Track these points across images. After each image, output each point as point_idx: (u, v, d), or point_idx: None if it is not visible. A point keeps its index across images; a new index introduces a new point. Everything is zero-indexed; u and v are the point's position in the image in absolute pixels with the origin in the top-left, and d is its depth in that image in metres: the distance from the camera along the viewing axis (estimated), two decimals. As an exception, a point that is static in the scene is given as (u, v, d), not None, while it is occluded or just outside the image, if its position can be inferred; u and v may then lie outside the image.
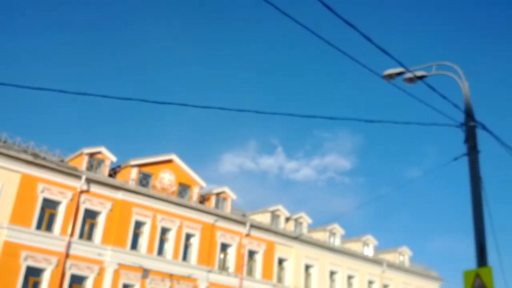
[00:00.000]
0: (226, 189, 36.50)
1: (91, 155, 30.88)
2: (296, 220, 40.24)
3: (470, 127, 9.19)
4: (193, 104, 7.40)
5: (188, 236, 33.08)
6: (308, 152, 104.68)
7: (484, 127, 9.26)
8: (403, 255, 47.12)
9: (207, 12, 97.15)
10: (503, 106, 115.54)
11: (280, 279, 37.03)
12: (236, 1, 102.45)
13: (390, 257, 45.86)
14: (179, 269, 31.54)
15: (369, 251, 44.39)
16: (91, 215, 29.67)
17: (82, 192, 29.23)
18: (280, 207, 39.24)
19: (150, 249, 31.00)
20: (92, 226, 29.67)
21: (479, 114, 9.40)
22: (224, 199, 36.34)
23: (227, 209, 36.06)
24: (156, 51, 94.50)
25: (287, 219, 39.80)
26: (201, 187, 34.79)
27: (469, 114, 9.19)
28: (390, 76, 9.63)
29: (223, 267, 34.17)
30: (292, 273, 37.39)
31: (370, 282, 42.74)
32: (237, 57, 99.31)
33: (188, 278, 31.69)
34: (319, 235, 41.20)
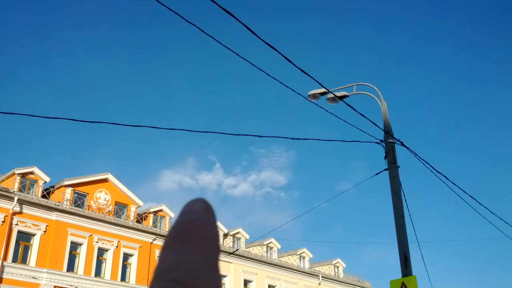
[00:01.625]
0: (163, 207, 35.96)
1: (23, 175, 29.64)
2: (234, 235, 40.16)
3: (389, 143, 9.58)
4: (125, 123, 7.30)
5: (126, 256, 32.25)
6: (245, 168, 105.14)
7: (402, 144, 9.68)
8: (338, 267, 47.94)
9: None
10: (421, 124, 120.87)
11: (219, 295, 36.69)
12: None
13: (325, 269, 46.53)
14: (116, 290, 30.65)
15: (305, 264, 44.86)
16: (24, 237, 28.35)
17: (14, 213, 27.93)
18: (218, 223, 38.97)
19: (87, 271, 29.93)
20: (26, 249, 28.33)
21: (399, 131, 9.81)
22: (162, 217, 35.76)
23: (165, 227, 35.49)
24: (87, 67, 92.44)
25: (225, 235, 39.64)
26: (138, 206, 34.10)
27: (387, 131, 9.58)
28: (314, 96, 9.91)
29: None
30: (231, 288, 37.19)
31: (307, 294, 43.14)
32: (169, 78, 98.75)
33: (126, 298, 30.83)
34: (257, 250, 41.29)
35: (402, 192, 9.95)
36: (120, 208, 33.24)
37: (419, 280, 9.53)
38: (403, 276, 9.64)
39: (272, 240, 42.51)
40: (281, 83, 7.16)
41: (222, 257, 36.68)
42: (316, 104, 9.09)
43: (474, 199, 12.22)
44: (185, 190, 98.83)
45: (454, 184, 11.41)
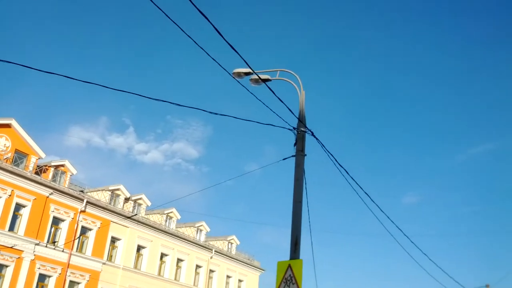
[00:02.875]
0: (66, 162, 34.45)
1: None
2: (135, 201, 39.47)
3: (300, 132, 9.79)
4: (39, 68, 6.82)
5: (18, 207, 30.61)
6: (159, 136, 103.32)
7: (312, 134, 9.93)
8: (232, 243, 48.76)
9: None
10: (335, 119, 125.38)
11: (111, 257, 36.02)
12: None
13: (219, 244, 47.15)
14: (3, 239, 29.03)
15: (201, 237, 45.17)
16: None
17: None
18: (121, 186, 38.16)
19: (-27, 216, 28.12)
20: None
21: (312, 122, 10.04)
22: (63, 172, 34.27)
23: (65, 183, 34.07)
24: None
25: (127, 199, 38.85)
26: (40, 158, 32.40)
27: (301, 120, 9.78)
28: (239, 75, 9.88)
29: (52, 241, 32.19)
30: (124, 252, 36.57)
31: (198, 266, 43.50)
32: (93, 31, 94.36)
33: (12, 248, 29.31)
34: (156, 218, 40.91)
35: (304, 179, 10.23)
36: (19, 156, 31.41)
37: (305, 266, 9.87)
38: (291, 259, 9.83)
39: (173, 210, 42.31)
40: (208, 54, 7.04)
41: (120, 220, 35.96)
42: (239, 82, 9.08)
43: (369, 196, 12.85)
44: (93, 149, 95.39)
45: (353, 179, 11.93)
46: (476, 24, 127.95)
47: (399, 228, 15.46)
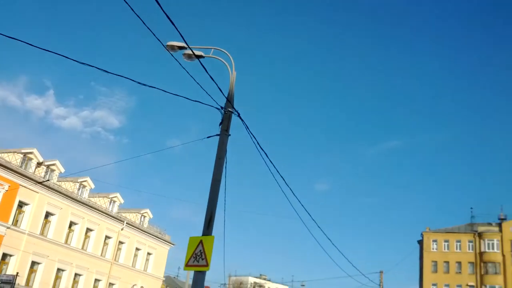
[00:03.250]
0: (-24, 119, 32.25)
1: None
2: (48, 166, 37.78)
3: (227, 112, 9.89)
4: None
5: None
6: (80, 101, 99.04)
7: (239, 115, 10.07)
8: (144, 217, 48.19)
9: None
10: (265, 103, 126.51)
11: (16, 222, 34.35)
12: None
13: (132, 216, 46.44)
14: None
15: (113, 208, 44.22)
16: None
17: None
18: (35, 150, 36.35)
19: None
20: None
21: (241, 103, 10.16)
22: (-28, 129, 32.09)
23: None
24: None
25: (39, 164, 37.10)
26: None
27: (229, 100, 9.88)
28: (172, 48, 9.76)
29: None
30: (30, 218, 35.00)
31: (108, 237, 42.62)
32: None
33: None
34: (69, 186, 39.48)
35: (225, 159, 10.37)
36: None
37: (217, 243, 10.04)
38: (203, 235, 9.95)
39: (87, 179, 41.04)
40: (143, 22, 6.90)
41: (30, 185, 34.33)
42: (172, 56, 8.97)
43: (283, 179, 13.25)
44: (8, 108, 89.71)
45: (271, 163, 12.24)
46: (389, 23, 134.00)
47: (308, 213, 16.10)
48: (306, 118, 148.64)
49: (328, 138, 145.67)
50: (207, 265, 9.24)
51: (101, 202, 42.79)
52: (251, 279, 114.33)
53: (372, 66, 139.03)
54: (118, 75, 8.96)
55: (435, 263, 68.95)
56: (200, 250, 9.55)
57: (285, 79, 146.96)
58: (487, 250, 66.55)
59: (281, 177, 13.13)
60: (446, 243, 69.53)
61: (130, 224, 44.92)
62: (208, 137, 10.27)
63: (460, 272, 67.37)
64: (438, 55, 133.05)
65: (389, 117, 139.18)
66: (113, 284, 43.09)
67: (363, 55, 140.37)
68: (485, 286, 65.07)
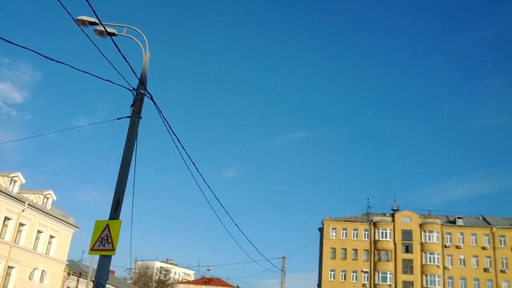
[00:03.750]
0: None
1: None
2: None
3: (139, 93, 9.47)
4: None
5: None
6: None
7: (151, 97, 9.68)
8: (48, 198, 45.68)
9: None
10: (182, 88, 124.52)
11: None
12: None
13: (34, 197, 43.80)
14: None
15: (14, 188, 41.42)
16: None
17: None
18: None
19: None
20: None
21: (156, 86, 9.78)
22: None
23: None
24: None
25: None
26: None
27: (142, 82, 9.46)
28: (83, 23, 9.13)
29: None
30: None
31: (7, 219, 39.87)
32: None
33: None
34: (-36, 162, 36.40)
35: (136, 142, 9.97)
36: None
37: (124, 228, 9.67)
38: (110, 219, 9.62)
39: (-15, 156, 38.04)
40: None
41: None
42: (82, 31, 8.36)
43: (194, 165, 13.03)
44: None
45: (183, 148, 11.96)
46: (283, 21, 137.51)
47: (216, 198, 16.02)
48: (218, 106, 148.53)
49: (239, 127, 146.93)
50: (113, 249, 8.99)
51: (0, 181, 39.91)
52: (158, 264, 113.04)
53: (289, 57, 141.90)
54: (23, 47, 8.22)
55: (334, 250, 72.11)
56: (107, 234, 9.25)
57: (201, 66, 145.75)
58: (380, 239, 70.69)
59: (192, 162, 12.91)
60: (344, 231, 72.88)
61: (32, 206, 42.34)
62: (118, 119, 9.80)
63: (356, 259, 71.02)
64: (335, 52, 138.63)
65: (298, 108, 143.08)
66: (12, 268, 40.51)
67: (280, 44, 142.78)
68: (378, 272, 69.20)
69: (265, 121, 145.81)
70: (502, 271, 66.53)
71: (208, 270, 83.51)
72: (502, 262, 67.23)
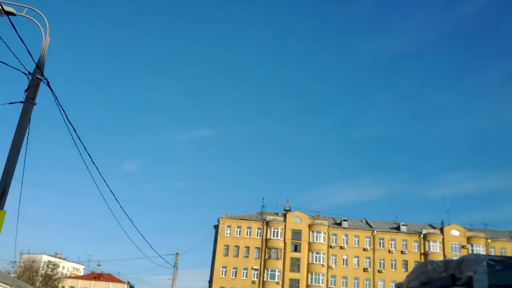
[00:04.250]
0: None
1: None
2: None
3: (35, 78, 8.87)
4: None
5: None
6: None
7: (48, 84, 9.10)
8: None
9: None
10: (83, 77, 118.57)
11: None
12: None
13: None
14: None
15: None
16: None
17: None
18: None
19: None
20: None
21: (54, 71, 9.20)
22: None
23: None
24: None
25: None
26: None
27: (39, 66, 8.87)
28: (-23, -1, 8.34)
29: None
30: None
31: None
32: None
33: None
34: None
35: (28, 129, 9.33)
36: None
37: (9, 219, 9.04)
38: (-6, 209, 8.93)
39: None
40: None
41: None
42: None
43: (90, 156, 12.48)
44: None
45: (78, 138, 11.40)
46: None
47: (111, 192, 15.50)
48: (122, 98, 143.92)
49: (142, 120, 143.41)
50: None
51: None
52: (45, 258, 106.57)
53: (199, 50, 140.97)
54: None
55: (227, 247, 72.82)
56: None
57: (111, 53, 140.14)
58: (272, 237, 72.63)
59: (88, 154, 12.36)
60: (238, 229, 73.90)
61: None
62: (10, 103, 9.09)
63: (247, 256, 72.29)
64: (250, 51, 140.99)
65: (202, 106, 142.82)
66: None
67: (193, 37, 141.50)
68: (267, 269, 70.99)
69: (170, 116, 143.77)
70: (379, 271, 71.37)
71: (99, 265, 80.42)
72: (380, 262, 72.15)
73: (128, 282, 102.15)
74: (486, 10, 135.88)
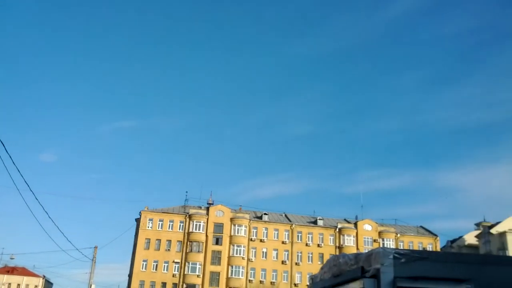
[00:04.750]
0: None
1: None
2: None
3: None
4: None
5: None
6: None
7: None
8: None
9: None
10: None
11: None
12: None
13: None
14: None
15: None
16: None
17: None
18: None
19: None
20: None
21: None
22: None
23: None
24: None
25: None
26: None
27: None
28: None
29: None
30: None
31: None
32: None
33: None
34: None
35: None
36: None
37: None
38: None
39: None
40: None
41: None
42: None
43: (3, 144, 11.68)
44: None
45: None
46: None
47: (26, 183, 14.63)
48: (39, 88, 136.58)
49: (62, 110, 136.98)
50: None
51: None
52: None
53: (133, 43, 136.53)
54: None
55: (149, 241, 71.46)
56: None
57: (35, 38, 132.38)
58: (194, 231, 72.21)
59: (1, 141, 11.55)
60: (161, 222, 72.73)
61: None
62: None
63: (169, 250, 71.36)
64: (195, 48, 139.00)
65: (125, 97, 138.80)
66: None
67: (121, 29, 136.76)
68: (189, 262, 70.52)
69: (91, 106, 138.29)
70: (296, 264, 73.23)
71: (12, 258, 75.74)
72: (297, 255, 74.03)
73: (44, 276, 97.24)
74: (409, 15, 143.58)
